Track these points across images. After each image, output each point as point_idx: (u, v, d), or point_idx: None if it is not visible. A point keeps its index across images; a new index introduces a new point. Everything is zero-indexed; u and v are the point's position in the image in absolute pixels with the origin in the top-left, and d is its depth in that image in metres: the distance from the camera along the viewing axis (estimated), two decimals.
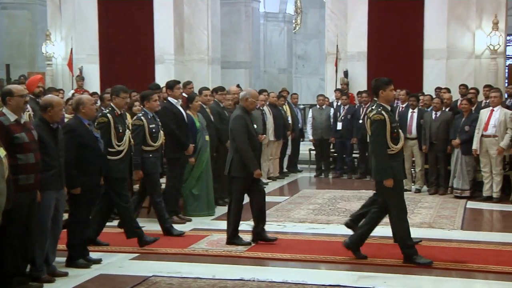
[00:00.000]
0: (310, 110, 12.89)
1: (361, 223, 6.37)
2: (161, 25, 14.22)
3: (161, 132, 7.42)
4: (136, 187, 8.06)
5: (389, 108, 6.13)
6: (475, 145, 9.32)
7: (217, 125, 8.94)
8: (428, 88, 12.44)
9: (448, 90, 11.18)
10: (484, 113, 9.37)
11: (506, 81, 14.67)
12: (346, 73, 13.62)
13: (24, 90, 5.44)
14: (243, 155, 6.66)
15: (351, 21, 13.65)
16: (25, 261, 5.32)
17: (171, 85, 8.21)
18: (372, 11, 13.38)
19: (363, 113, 11.63)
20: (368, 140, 11.35)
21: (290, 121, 12.06)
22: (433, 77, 12.91)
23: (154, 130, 7.30)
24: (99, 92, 12.23)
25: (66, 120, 7.72)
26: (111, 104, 6.66)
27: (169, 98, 8.13)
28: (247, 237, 6.92)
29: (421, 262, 5.96)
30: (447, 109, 10.11)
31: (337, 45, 13.82)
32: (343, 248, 6.22)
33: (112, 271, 5.94)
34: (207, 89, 9.26)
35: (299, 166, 12.98)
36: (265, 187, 7.67)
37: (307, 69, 24.47)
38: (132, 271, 5.93)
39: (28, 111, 7.55)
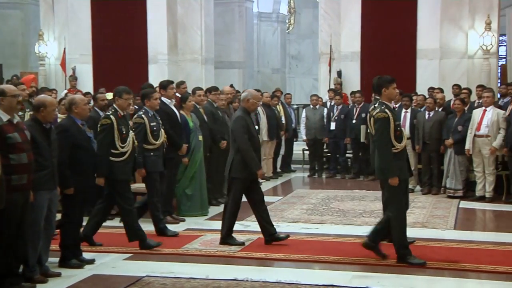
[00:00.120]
0: (304, 110, 12.91)
1: (380, 219, 6.37)
2: (154, 25, 14.20)
3: (162, 130, 7.41)
4: (135, 186, 8.02)
5: (391, 106, 6.13)
6: (468, 145, 9.35)
7: (210, 125, 8.94)
8: (421, 88, 12.48)
9: (441, 90, 11.22)
10: (476, 113, 9.40)
11: (499, 81, 14.73)
12: (339, 73, 13.64)
13: (17, 90, 5.41)
14: (245, 155, 6.65)
15: (345, 21, 13.68)
16: (18, 261, 5.30)
17: (165, 85, 8.20)
18: (366, 11, 13.41)
19: (356, 113, 11.69)
20: (362, 140, 11.53)
21: (283, 121, 12.07)
22: (426, 77, 12.95)
23: (155, 128, 7.28)
24: (92, 92, 12.20)
25: (59, 120, 7.69)
26: (114, 105, 6.65)
27: (163, 98, 8.11)
28: (240, 237, 6.91)
29: (414, 262, 5.97)
30: (440, 109, 10.14)
31: (330, 45, 13.85)
32: (337, 247, 6.22)
33: (106, 271, 5.93)
34: (201, 89, 9.26)
35: (293, 166, 12.99)
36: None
37: (300, 69, 24.50)
38: (125, 271, 5.92)
39: (29, 111, 7.54)
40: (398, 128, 6.05)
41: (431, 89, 11.78)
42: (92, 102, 8.70)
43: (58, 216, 6.01)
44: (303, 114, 12.52)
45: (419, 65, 13.17)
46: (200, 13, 14.73)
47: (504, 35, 15.21)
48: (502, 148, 9.20)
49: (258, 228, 7.10)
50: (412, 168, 10.07)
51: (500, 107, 9.80)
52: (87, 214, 6.70)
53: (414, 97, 10.84)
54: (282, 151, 12.47)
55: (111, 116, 6.49)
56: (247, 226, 7.61)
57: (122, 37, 14.27)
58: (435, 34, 13.06)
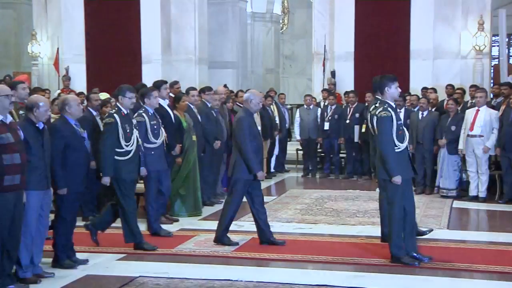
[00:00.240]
0: (298, 110, 12.91)
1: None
2: (148, 25, 14.16)
3: (162, 129, 7.39)
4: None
5: (394, 105, 6.14)
6: (461, 145, 9.38)
7: (204, 125, 8.93)
8: (415, 88, 12.50)
9: (435, 90, 11.25)
10: (469, 113, 9.43)
11: (492, 81, 14.78)
12: (333, 73, 13.64)
13: (9, 90, 5.38)
14: (245, 157, 6.63)
15: (338, 22, 13.67)
16: (11, 262, 5.27)
17: (158, 85, 8.18)
18: (359, 11, 13.41)
19: (350, 113, 11.70)
20: (355, 140, 11.54)
21: (277, 121, 12.07)
22: (419, 77, 12.96)
23: (155, 127, 7.25)
24: (85, 92, 12.16)
25: (52, 120, 7.66)
26: (117, 104, 6.62)
27: None
28: (234, 238, 6.91)
29: (408, 262, 5.98)
30: (433, 109, 10.17)
31: (324, 45, 13.85)
32: (331, 247, 6.21)
33: (99, 271, 5.91)
34: (194, 89, 9.25)
35: (287, 166, 12.99)
36: None
37: (294, 69, 24.50)
38: (118, 271, 5.91)
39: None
40: (401, 128, 6.05)
41: (424, 89, 11.81)
42: (85, 102, 8.67)
43: (51, 216, 5.99)
44: (297, 114, 12.53)
45: (413, 65, 13.18)
46: (194, 13, 14.69)
47: (497, 35, 15.24)
48: (495, 148, 9.23)
49: (252, 228, 7.11)
50: None
51: (493, 107, 9.83)
52: (80, 214, 6.69)
53: (408, 97, 10.87)
54: (276, 151, 12.46)
55: (115, 114, 6.47)
56: (241, 226, 7.61)
57: (115, 37, 14.23)
58: (429, 34, 13.08)
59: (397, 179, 5.94)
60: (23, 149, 5.21)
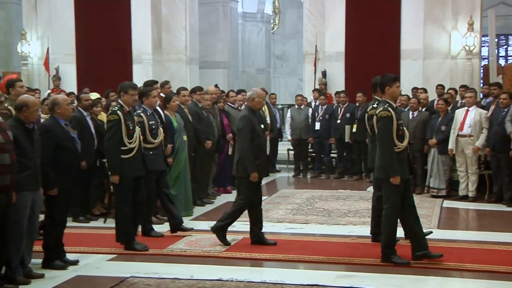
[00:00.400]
0: (289, 110, 12.92)
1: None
2: (138, 24, 14.14)
3: (161, 129, 7.36)
4: None
5: (394, 105, 6.15)
6: (451, 144, 9.42)
7: (195, 125, 8.91)
8: (405, 88, 12.47)
9: (425, 90, 11.29)
10: (459, 113, 9.48)
11: (481, 81, 14.85)
12: (324, 73, 13.66)
13: None
14: (243, 155, 6.63)
15: (329, 22, 13.70)
16: (0, 262, 5.24)
17: (149, 85, 8.16)
18: (350, 11, 13.44)
19: (341, 113, 11.73)
20: (346, 140, 11.56)
21: (268, 121, 12.08)
22: (410, 78, 13.00)
23: (154, 126, 7.23)
24: (76, 92, 12.10)
25: (42, 120, 7.63)
26: (119, 101, 6.58)
27: None
28: (228, 237, 6.88)
29: (398, 262, 6.00)
30: (423, 109, 10.21)
31: (315, 46, 13.88)
32: (321, 247, 6.22)
33: (89, 272, 5.89)
34: (185, 89, 9.22)
35: (278, 166, 13.00)
36: None
37: (285, 69, 24.51)
38: (109, 272, 5.89)
39: None
40: (401, 128, 6.07)
41: (414, 89, 11.86)
42: (75, 102, 8.64)
43: (42, 217, 5.97)
44: (288, 114, 12.54)
45: (403, 65, 13.23)
46: (185, 13, 14.68)
47: (487, 35, 15.31)
48: (485, 148, 9.28)
49: (243, 228, 7.11)
50: None
51: (483, 107, 9.88)
52: (71, 215, 6.65)
53: (398, 97, 10.88)
54: (267, 151, 12.45)
55: (118, 111, 6.43)
56: (233, 226, 7.53)
57: (106, 36, 14.18)
58: (419, 34, 13.13)
59: (395, 179, 5.96)
60: (13, 150, 5.19)
